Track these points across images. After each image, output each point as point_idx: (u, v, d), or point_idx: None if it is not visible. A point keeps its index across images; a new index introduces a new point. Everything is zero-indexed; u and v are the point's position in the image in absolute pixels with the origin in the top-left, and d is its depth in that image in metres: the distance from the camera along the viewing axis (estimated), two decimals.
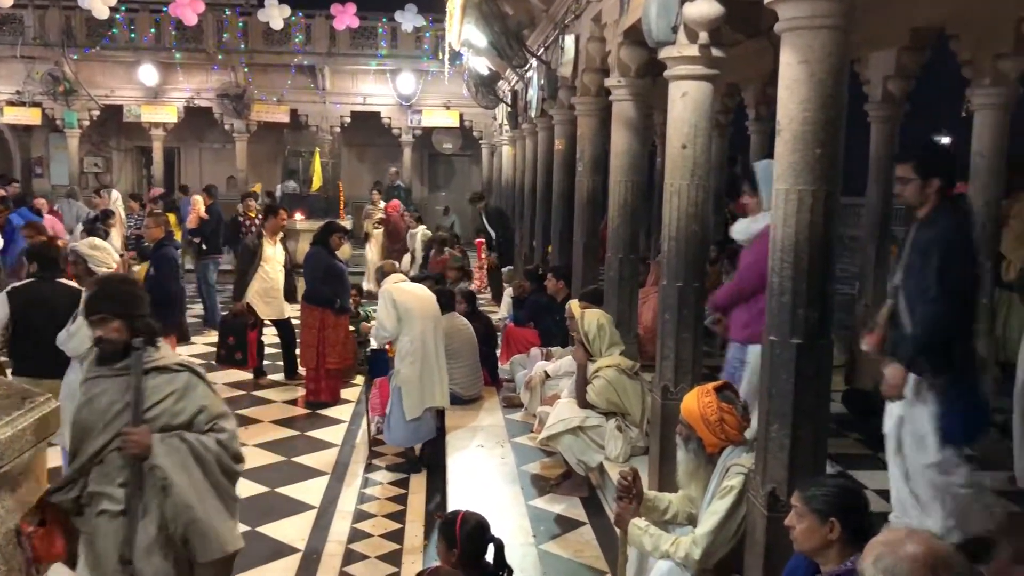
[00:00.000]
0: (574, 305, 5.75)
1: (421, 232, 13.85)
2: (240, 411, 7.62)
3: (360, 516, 5.55)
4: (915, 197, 3.62)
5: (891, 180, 6.80)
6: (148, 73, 19.06)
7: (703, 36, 4.28)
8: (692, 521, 3.58)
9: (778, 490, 3.04)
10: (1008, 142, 5.86)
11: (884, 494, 4.89)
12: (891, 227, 7.35)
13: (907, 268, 3.69)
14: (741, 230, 4.73)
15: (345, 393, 8.18)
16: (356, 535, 5.27)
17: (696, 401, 3.45)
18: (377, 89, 20.29)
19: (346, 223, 13.54)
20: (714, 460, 3.42)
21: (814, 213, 2.99)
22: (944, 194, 3.62)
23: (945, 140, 21.94)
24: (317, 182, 18.25)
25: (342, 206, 16.24)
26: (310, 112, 20.18)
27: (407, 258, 13.55)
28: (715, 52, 4.36)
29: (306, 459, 6.53)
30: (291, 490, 5.91)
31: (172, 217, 12.26)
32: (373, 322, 6.65)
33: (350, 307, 8.31)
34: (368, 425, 6.78)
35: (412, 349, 6.23)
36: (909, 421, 3.77)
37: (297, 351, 8.36)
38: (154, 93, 19.42)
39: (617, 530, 3.63)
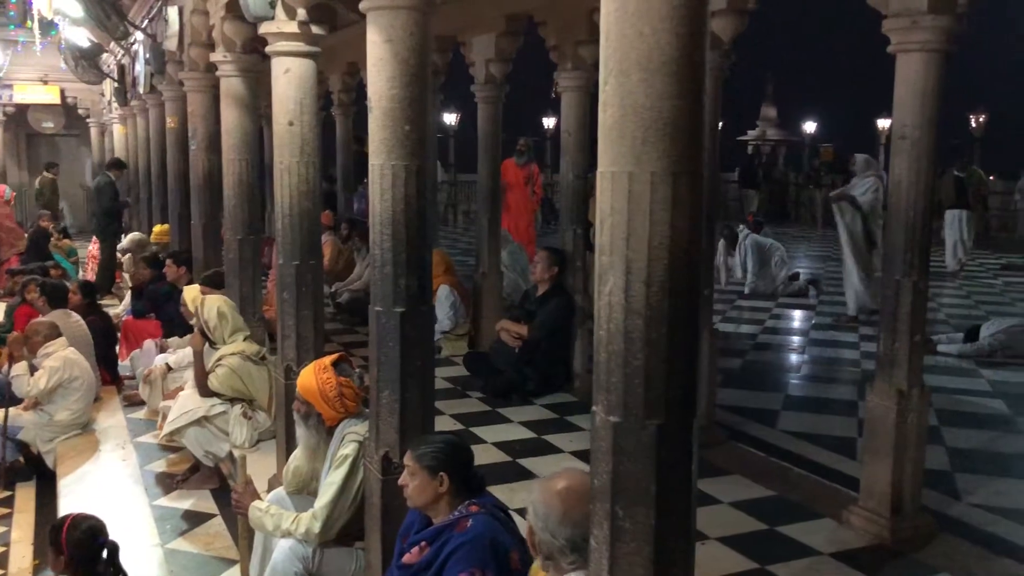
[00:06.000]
0: (189, 292, 5.49)
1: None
2: None
3: None
4: None
5: (497, 157, 7.42)
6: None
7: (301, 13, 4.25)
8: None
9: (391, 453, 3.17)
10: (590, 121, 6.56)
11: (502, 445, 5.34)
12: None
13: None
14: None
15: None
16: None
17: (314, 377, 3.46)
18: None
19: None
20: (332, 431, 3.48)
21: (408, 187, 3.13)
22: None
23: (549, 121, 24.12)
24: None
25: None
26: None
27: None
28: (315, 29, 4.35)
29: None
30: None
31: None
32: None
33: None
34: None
35: (73, 422, 5.98)
36: None
37: None
38: None
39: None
